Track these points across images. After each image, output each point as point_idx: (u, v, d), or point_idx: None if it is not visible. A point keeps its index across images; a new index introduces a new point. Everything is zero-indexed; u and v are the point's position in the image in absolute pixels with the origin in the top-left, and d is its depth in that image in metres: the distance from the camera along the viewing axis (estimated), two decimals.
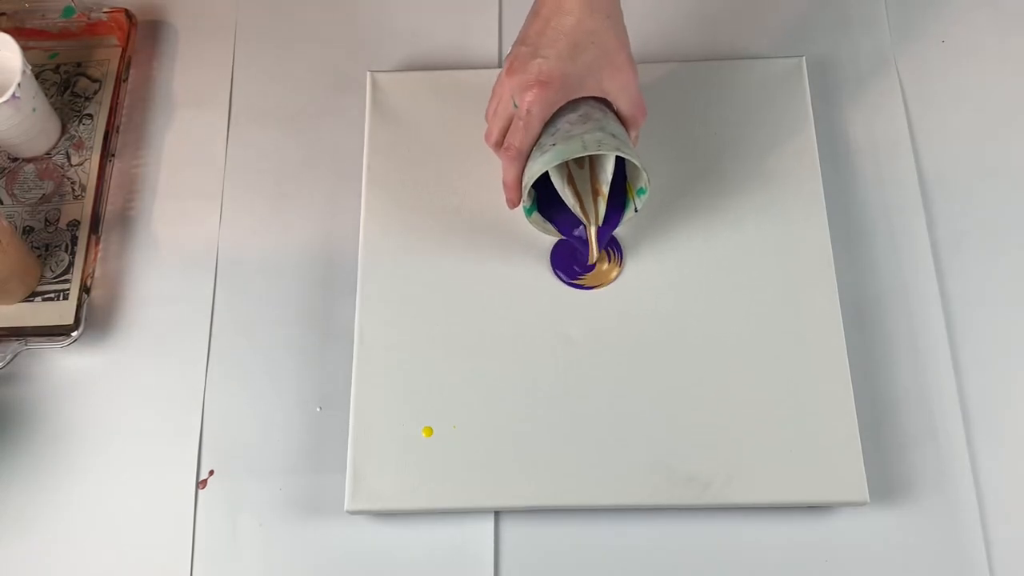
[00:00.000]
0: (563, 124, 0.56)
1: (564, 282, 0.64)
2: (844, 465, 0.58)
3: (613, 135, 0.55)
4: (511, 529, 0.61)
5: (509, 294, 0.64)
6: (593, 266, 0.64)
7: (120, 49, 0.74)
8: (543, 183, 0.58)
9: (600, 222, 0.61)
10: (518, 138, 0.56)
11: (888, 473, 0.61)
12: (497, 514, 0.61)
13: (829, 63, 0.72)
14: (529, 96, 0.54)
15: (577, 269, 0.64)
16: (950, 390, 0.63)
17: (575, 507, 0.59)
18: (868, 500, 0.57)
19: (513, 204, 0.60)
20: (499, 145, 0.58)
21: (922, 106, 0.70)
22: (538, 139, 0.56)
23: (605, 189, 0.59)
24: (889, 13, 0.74)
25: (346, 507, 0.59)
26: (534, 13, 0.56)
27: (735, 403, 0.60)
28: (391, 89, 0.69)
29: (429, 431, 0.60)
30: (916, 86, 0.71)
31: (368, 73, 0.70)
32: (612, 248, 0.64)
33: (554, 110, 0.55)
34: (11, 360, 0.64)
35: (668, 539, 0.60)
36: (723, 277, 0.63)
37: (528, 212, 0.60)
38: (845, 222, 0.67)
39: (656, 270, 0.64)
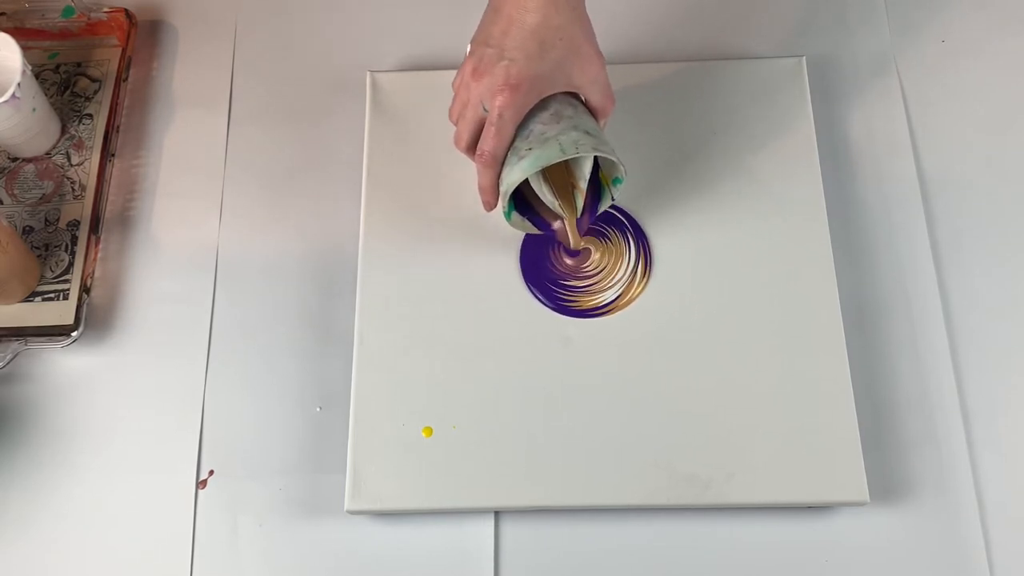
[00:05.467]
0: (536, 125, 0.55)
1: (564, 313, 0.63)
2: (844, 465, 0.58)
3: (587, 132, 0.55)
4: (511, 529, 0.61)
5: (509, 294, 0.64)
6: (578, 253, 0.64)
7: (120, 49, 0.74)
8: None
9: (579, 214, 0.61)
10: (491, 143, 0.55)
11: (888, 473, 0.61)
12: (497, 514, 0.61)
13: (829, 63, 0.72)
14: (499, 100, 0.53)
15: (559, 285, 0.64)
16: (950, 390, 0.63)
17: (575, 507, 0.59)
18: (868, 500, 0.57)
19: (490, 208, 0.60)
20: (470, 149, 0.57)
21: (922, 106, 0.70)
22: (511, 142, 0.56)
23: (583, 185, 0.60)
24: (889, 13, 0.74)
25: (346, 507, 0.59)
26: (494, 11, 0.55)
27: (735, 402, 0.60)
28: (391, 89, 0.69)
29: (429, 431, 0.60)
30: (916, 86, 0.71)
31: (368, 73, 0.70)
32: (642, 260, 0.64)
33: (525, 112, 0.55)
34: (11, 360, 0.64)
35: (668, 539, 0.60)
36: (723, 277, 0.63)
37: (507, 215, 0.59)
38: (845, 222, 0.67)
39: (655, 271, 0.64)
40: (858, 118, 0.70)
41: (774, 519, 0.60)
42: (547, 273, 0.64)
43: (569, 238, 0.61)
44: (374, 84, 0.69)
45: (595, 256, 0.65)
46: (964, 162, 0.69)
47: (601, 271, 0.64)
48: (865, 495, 0.57)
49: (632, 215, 0.65)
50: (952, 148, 0.69)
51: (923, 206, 0.67)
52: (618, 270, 0.64)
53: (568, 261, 0.65)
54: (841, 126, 0.70)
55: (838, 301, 0.62)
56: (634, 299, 0.63)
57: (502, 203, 0.58)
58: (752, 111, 0.68)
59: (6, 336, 0.65)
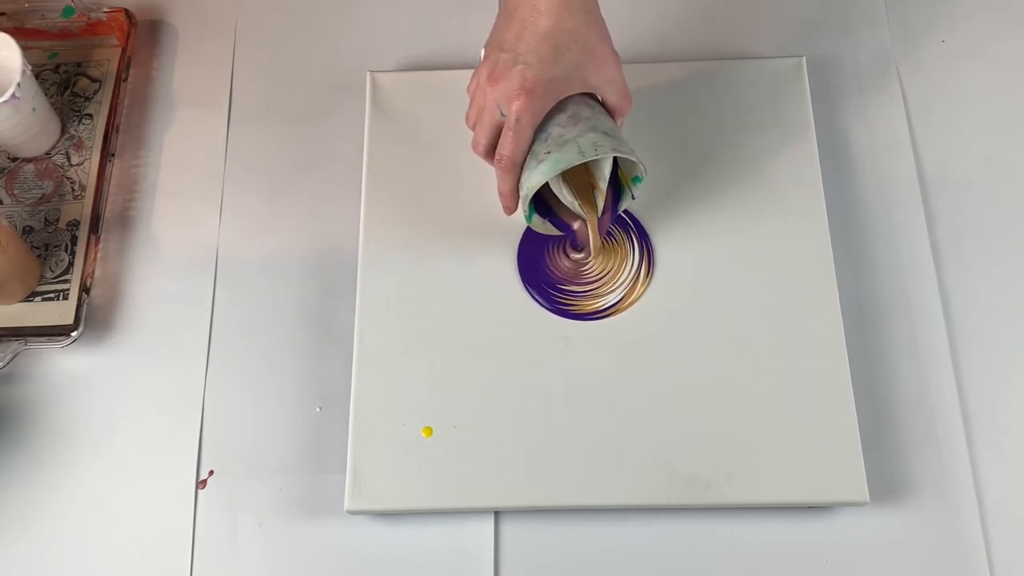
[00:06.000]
0: (554, 128, 0.55)
1: (562, 315, 0.63)
2: (844, 465, 0.58)
3: (606, 133, 0.55)
4: (511, 529, 0.61)
5: (509, 294, 0.64)
6: (585, 251, 0.64)
7: (120, 49, 0.74)
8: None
9: (600, 213, 0.60)
10: (509, 148, 0.55)
11: (888, 473, 0.61)
12: (497, 514, 0.61)
13: (829, 63, 0.72)
14: (516, 105, 0.53)
15: (558, 289, 0.64)
16: (950, 390, 0.63)
17: (575, 507, 0.59)
18: (868, 500, 0.57)
19: (510, 212, 0.60)
20: (488, 154, 0.57)
21: (922, 106, 0.70)
22: (530, 146, 0.56)
23: (603, 185, 0.59)
24: (889, 13, 0.74)
25: (346, 507, 0.59)
26: (507, 15, 0.55)
27: (735, 402, 0.60)
28: (391, 89, 0.69)
29: (429, 431, 0.60)
30: (916, 86, 0.71)
31: (368, 73, 0.70)
32: (645, 261, 0.64)
33: (542, 115, 0.55)
34: (11, 360, 0.64)
35: (668, 539, 0.60)
36: (723, 277, 0.63)
37: (528, 218, 0.59)
38: (845, 222, 0.67)
39: (657, 271, 0.64)
40: (858, 118, 0.70)
41: (774, 519, 0.60)
42: (544, 276, 0.64)
43: (590, 238, 0.60)
44: (374, 84, 0.69)
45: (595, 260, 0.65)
46: (964, 162, 0.69)
47: (604, 276, 0.64)
48: (865, 495, 0.57)
49: (635, 215, 0.65)
50: (952, 148, 0.69)
51: (923, 206, 0.67)
52: (622, 273, 0.64)
53: (566, 264, 0.64)
54: (841, 126, 0.70)
55: (838, 301, 0.62)
56: (636, 300, 0.63)
57: (523, 207, 0.58)
58: (752, 111, 0.68)
59: (6, 336, 0.65)
